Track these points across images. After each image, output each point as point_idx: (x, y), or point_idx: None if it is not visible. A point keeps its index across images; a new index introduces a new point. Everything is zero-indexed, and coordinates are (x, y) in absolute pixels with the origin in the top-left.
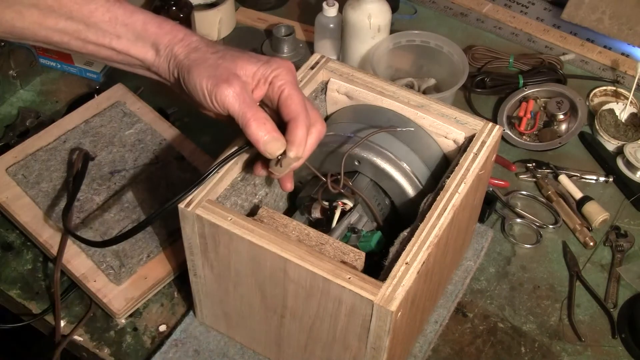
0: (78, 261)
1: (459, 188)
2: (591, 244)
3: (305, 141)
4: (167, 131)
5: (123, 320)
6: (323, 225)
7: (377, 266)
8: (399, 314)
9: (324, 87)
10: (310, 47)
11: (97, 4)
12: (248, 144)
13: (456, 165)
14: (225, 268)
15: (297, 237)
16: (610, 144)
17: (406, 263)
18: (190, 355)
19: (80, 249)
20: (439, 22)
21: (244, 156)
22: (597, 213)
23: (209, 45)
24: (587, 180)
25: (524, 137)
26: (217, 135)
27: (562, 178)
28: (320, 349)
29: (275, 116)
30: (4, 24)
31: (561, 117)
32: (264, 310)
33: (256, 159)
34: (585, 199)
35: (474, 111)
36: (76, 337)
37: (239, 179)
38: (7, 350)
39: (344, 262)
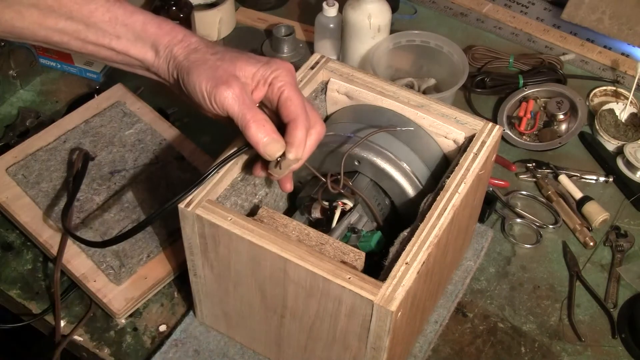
0: (78, 261)
1: (459, 188)
2: (591, 244)
3: (304, 143)
4: (167, 131)
5: (123, 320)
6: (323, 225)
7: (377, 266)
8: (399, 314)
9: (324, 87)
10: (310, 47)
11: (97, 4)
12: (248, 145)
13: (456, 165)
14: (225, 268)
15: (297, 237)
16: (610, 144)
17: (406, 263)
18: (190, 355)
19: (80, 249)
20: (439, 22)
21: (244, 156)
22: (597, 213)
23: (208, 46)
24: (587, 180)
25: (524, 137)
26: (217, 135)
27: (562, 178)
28: (320, 349)
29: (274, 117)
30: (4, 24)
31: (561, 117)
32: (264, 310)
33: (256, 159)
34: (585, 199)
35: (474, 111)
36: (76, 337)
37: (239, 179)
38: (7, 350)
39: (344, 262)
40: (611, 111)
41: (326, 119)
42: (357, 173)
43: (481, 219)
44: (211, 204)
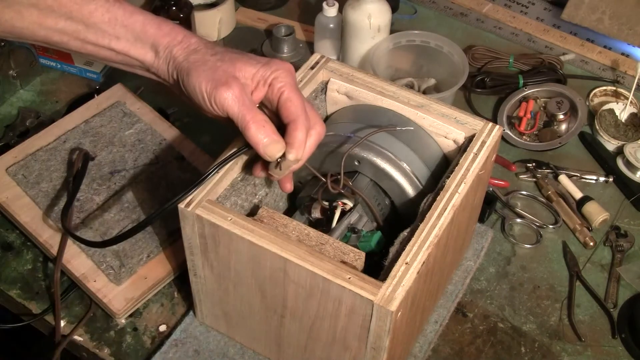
0: (78, 261)
1: (459, 188)
2: (591, 244)
3: (304, 143)
4: (167, 131)
5: (123, 320)
6: (323, 225)
7: (377, 266)
8: (399, 314)
9: (324, 87)
10: (310, 47)
11: (96, 4)
12: (248, 145)
13: (456, 165)
14: (225, 268)
15: (297, 237)
16: (610, 144)
17: (406, 263)
18: (190, 355)
19: (80, 249)
20: (439, 22)
21: (244, 157)
22: (597, 213)
23: (208, 46)
24: (587, 180)
25: (524, 137)
26: (217, 135)
27: (562, 178)
28: (320, 349)
29: (274, 118)
30: (4, 24)
31: (561, 117)
32: (264, 310)
33: (255, 160)
34: (585, 199)
35: (474, 111)
36: (76, 337)
37: (239, 179)
38: (7, 350)
39: (344, 262)
40: (611, 111)
41: (326, 119)
42: (357, 173)
43: (481, 219)
44: (211, 204)
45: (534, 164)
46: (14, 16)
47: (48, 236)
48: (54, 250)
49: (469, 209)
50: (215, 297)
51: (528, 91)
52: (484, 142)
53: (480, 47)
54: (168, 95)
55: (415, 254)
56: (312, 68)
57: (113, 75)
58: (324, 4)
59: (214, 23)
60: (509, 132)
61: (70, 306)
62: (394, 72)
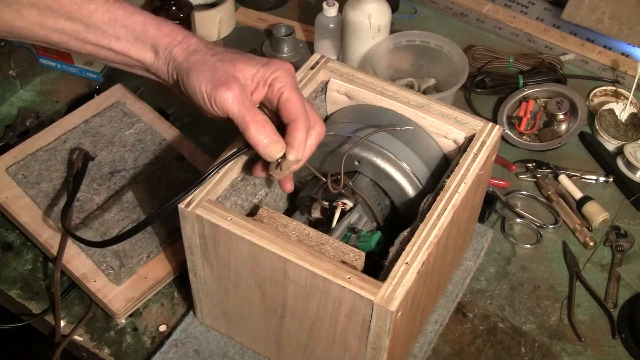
0: (78, 261)
1: (459, 188)
2: (591, 244)
3: (304, 144)
4: (167, 131)
5: (123, 320)
6: (323, 225)
7: (377, 266)
8: (399, 314)
9: (324, 87)
10: (310, 47)
11: (96, 4)
12: (248, 145)
13: (456, 165)
14: (225, 268)
15: (297, 237)
16: (610, 144)
17: (406, 263)
18: (190, 355)
19: (80, 249)
20: (439, 22)
21: (244, 157)
22: (597, 213)
23: (208, 47)
24: (587, 180)
25: (524, 137)
26: (217, 135)
27: (562, 178)
28: (320, 349)
29: (274, 118)
30: (3, 24)
31: (561, 117)
32: (264, 310)
33: (256, 160)
34: (585, 199)
35: (474, 111)
36: (76, 337)
37: (239, 179)
38: (7, 350)
39: (344, 262)
40: (611, 111)
41: (326, 119)
42: (357, 173)
43: (481, 219)
44: (211, 204)
45: (534, 164)
46: (14, 16)
47: (48, 236)
48: (54, 250)
49: (469, 209)
50: (215, 297)
51: (528, 91)
52: (484, 142)
53: (480, 47)
54: (168, 95)
55: (415, 254)
56: (312, 68)
57: (113, 75)
58: (324, 4)
59: (214, 23)
60: (509, 132)
61: (70, 306)
62: (394, 72)
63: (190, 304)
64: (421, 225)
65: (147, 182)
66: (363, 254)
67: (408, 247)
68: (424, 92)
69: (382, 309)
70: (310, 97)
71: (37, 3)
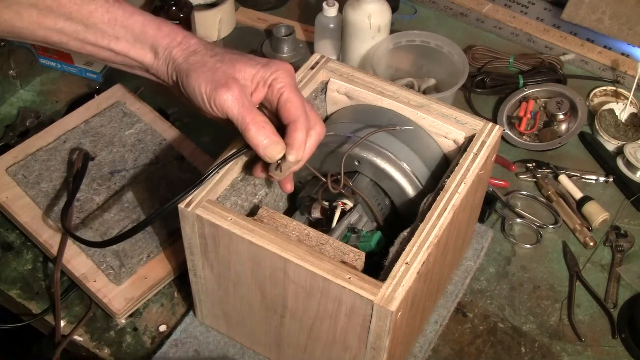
0: (78, 261)
1: (459, 188)
2: (591, 244)
3: (304, 144)
4: (167, 131)
5: (123, 320)
6: (323, 225)
7: (377, 266)
8: (399, 314)
9: (324, 87)
10: (310, 47)
11: (96, 4)
12: (248, 146)
13: (456, 165)
14: (225, 268)
15: (297, 237)
16: (610, 144)
17: (406, 263)
18: (190, 355)
19: (80, 249)
20: (439, 22)
21: (244, 157)
22: (597, 213)
23: (207, 48)
24: (587, 180)
25: (524, 137)
26: (217, 135)
27: (562, 178)
28: (320, 349)
29: (274, 118)
30: (3, 24)
31: (561, 117)
32: (264, 310)
33: (256, 160)
34: (585, 199)
35: (474, 111)
36: (76, 337)
37: (239, 179)
38: (7, 350)
39: (344, 262)
40: (611, 111)
41: (326, 119)
42: (357, 173)
43: (481, 219)
44: (211, 204)
45: (534, 164)
46: (13, 16)
47: (48, 236)
48: (54, 250)
49: (469, 209)
50: (215, 297)
51: (528, 91)
52: (484, 142)
53: (480, 47)
54: (168, 96)
55: (415, 254)
56: (312, 68)
57: (113, 75)
58: (324, 4)
59: (214, 23)
60: (509, 132)
61: (70, 306)
62: (394, 72)
63: (190, 304)
64: (421, 225)
65: (147, 182)
66: (363, 254)
67: (408, 247)
68: (424, 92)
69: (382, 309)
70: (310, 97)
71: (37, 3)
